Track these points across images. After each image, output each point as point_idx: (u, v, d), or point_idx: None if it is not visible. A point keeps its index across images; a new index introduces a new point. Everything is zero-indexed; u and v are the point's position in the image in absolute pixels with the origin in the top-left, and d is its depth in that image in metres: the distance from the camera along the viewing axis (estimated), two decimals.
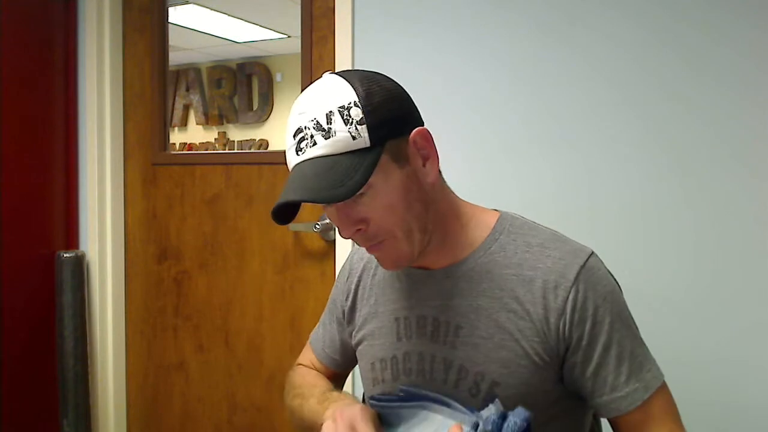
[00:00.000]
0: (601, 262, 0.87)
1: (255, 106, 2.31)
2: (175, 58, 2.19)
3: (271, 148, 2.28)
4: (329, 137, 0.75)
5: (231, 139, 2.36)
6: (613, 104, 1.42)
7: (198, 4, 2.21)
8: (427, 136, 0.83)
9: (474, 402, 0.84)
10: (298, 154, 0.77)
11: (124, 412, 2.20)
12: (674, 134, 1.37)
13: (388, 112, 0.78)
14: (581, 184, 1.45)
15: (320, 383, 1.02)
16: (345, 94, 0.77)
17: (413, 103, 0.85)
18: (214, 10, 2.26)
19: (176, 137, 2.37)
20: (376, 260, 0.94)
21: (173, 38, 2.13)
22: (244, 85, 2.33)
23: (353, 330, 1.01)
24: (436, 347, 0.88)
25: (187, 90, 2.34)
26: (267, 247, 1.94)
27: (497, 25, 1.52)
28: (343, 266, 1.07)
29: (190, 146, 2.42)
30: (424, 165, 0.83)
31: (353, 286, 1.01)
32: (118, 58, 2.13)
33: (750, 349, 1.32)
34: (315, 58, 1.82)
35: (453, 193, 0.91)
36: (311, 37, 1.82)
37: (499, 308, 0.84)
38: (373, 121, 0.76)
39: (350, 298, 1.01)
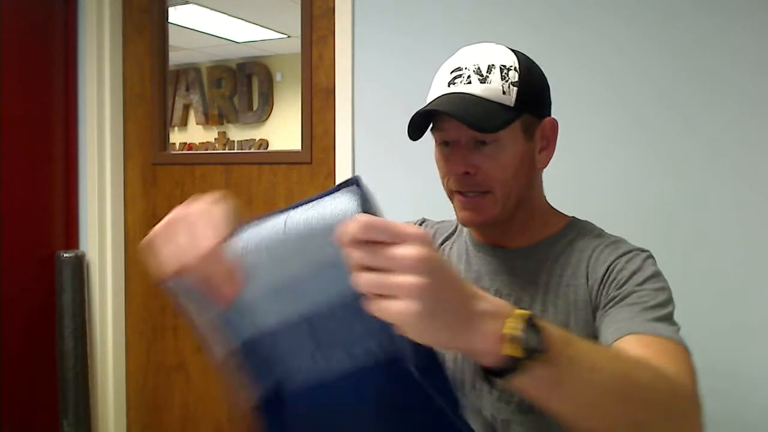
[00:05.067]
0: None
1: (255, 106, 2.31)
2: (175, 58, 2.19)
3: (271, 148, 2.28)
4: (484, 83, 0.85)
5: (231, 139, 2.37)
6: (607, 104, 1.42)
7: (198, 4, 2.21)
8: (555, 129, 0.93)
9: None
10: (449, 87, 0.87)
11: (124, 412, 2.20)
12: (666, 134, 1.37)
13: (538, 90, 0.90)
14: (573, 183, 1.45)
15: None
16: (509, 58, 0.88)
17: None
18: (214, 10, 2.26)
19: (176, 137, 2.37)
20: (448, 237, 1.03)
21: (173, 38, 2.13)
22: (244, 85, 2.33)
23: None
24: None
25: (187, 90, 2.34)
26: None
27: (495, 25, 1.52)
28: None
29: (190, 146, 2.42)
30: (540, 152, 0.92)
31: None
32: (118, 58, 2.13)
33: (744, 350, 1.32)
34: (315, 58, 1.82)
35: (543, 191, 0.99)
36: (311, 37, 1.82)
37: (558, 284, 0.90)
38: (524, 89, 0.86)
39: None
